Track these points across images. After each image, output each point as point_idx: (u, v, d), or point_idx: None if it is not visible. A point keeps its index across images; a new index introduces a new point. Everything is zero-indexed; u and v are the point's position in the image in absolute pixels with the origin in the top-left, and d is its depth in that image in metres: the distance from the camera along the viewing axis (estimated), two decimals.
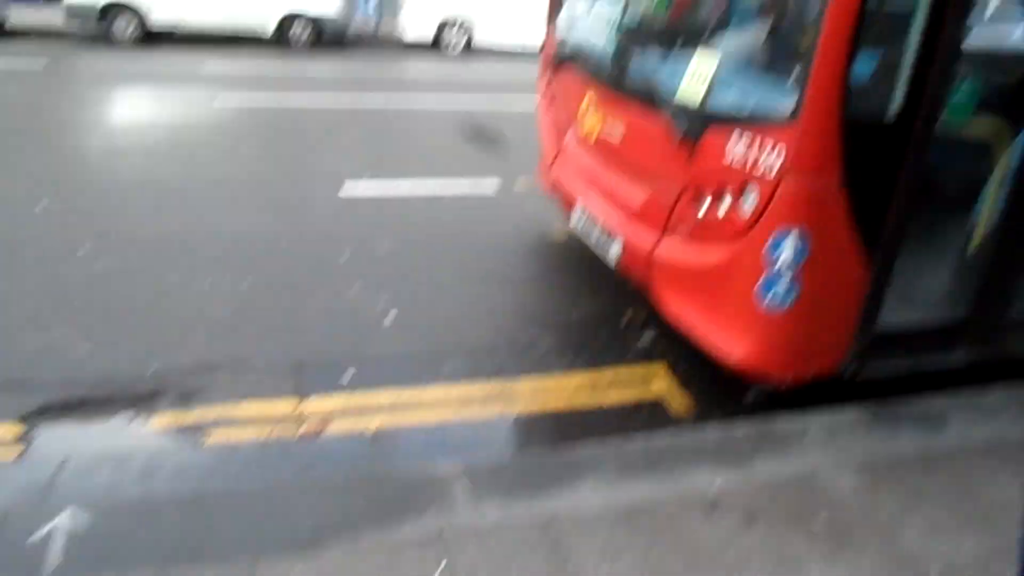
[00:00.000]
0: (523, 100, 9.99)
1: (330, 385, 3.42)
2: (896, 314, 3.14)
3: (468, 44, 15.43)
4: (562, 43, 4.52)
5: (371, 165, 6.82)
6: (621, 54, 3.76)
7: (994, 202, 3.19)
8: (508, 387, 3.51)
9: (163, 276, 4.38)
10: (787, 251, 2.80)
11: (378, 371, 3.56)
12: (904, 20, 2.66)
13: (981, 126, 3.03)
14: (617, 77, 3.74)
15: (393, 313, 4.10)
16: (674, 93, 3.19)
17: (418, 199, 6.03)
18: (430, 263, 4.80)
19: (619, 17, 4.00)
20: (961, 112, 2.81)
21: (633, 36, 3.81)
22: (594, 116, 3.88)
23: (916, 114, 2.70)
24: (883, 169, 2.78)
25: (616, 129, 3.70)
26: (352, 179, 6.28)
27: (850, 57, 2.53)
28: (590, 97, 3.94)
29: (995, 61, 3.43)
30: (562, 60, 4.42)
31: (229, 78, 10.91)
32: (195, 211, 5.48)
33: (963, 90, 2.77)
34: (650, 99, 3.38)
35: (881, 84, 2.73)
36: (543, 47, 4.85)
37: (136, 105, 9.10)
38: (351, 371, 3.54)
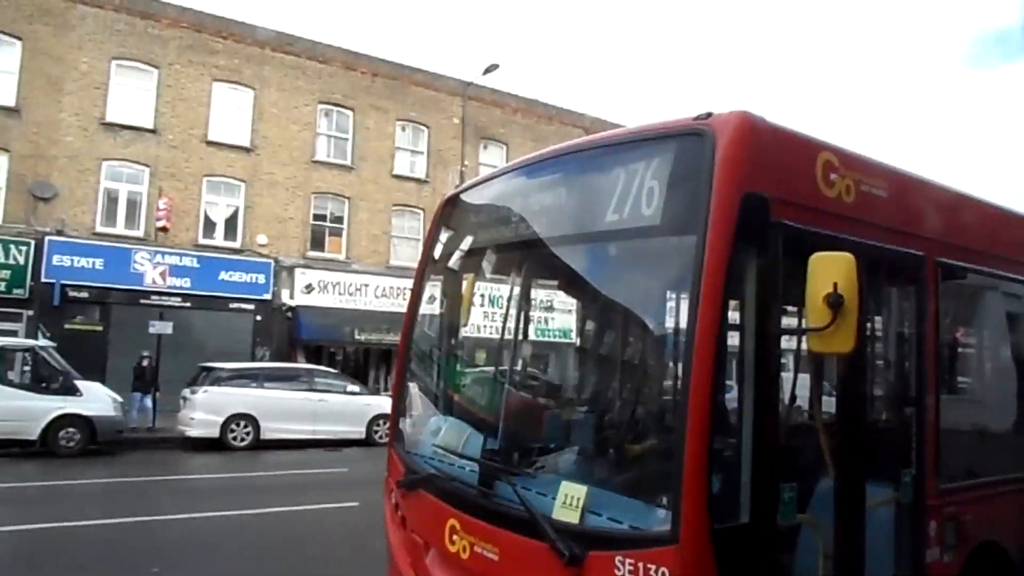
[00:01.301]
0: (328, 502, 10.03)
1: None
2: None
3: (257, 437, 15.27)
4: (410, 468, 4.71)
5: None
6: (484, 479, 4.06)
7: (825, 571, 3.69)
8: None
9: None
10: None
11: None
12: (735, 441, 3.31)
13: (802, 518, 3.65)
14: (482, 502, 3.97)
15: None
16: (550, 518, 3.48)
17: None
18: None
19: (475, 440, 4.39)
20: (788, 512, 3.46)
21: (494, 458, 4.15)
22: (462, 539, 4.00)
23: (760, 517, 3.24)
24: (747, 568, 3.21)
25: (489, 551, 3.83)
26: None
27: (710, 478, 3.06)
28: (454, 523, 4.07)
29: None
30: (413, 485, 4.57)
31: None
32: None
33: (786, 494, 3.43)
34: (524, 524, 3.58)
35: (730, 496, 3.27)
36: (387, 469, 5.05)
37: None
38: None
